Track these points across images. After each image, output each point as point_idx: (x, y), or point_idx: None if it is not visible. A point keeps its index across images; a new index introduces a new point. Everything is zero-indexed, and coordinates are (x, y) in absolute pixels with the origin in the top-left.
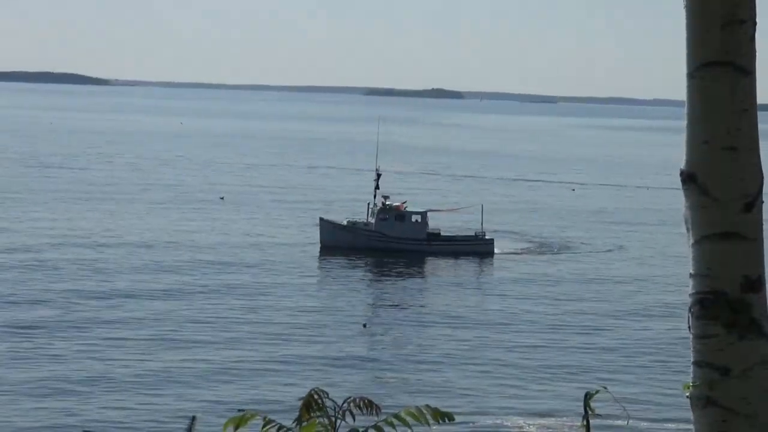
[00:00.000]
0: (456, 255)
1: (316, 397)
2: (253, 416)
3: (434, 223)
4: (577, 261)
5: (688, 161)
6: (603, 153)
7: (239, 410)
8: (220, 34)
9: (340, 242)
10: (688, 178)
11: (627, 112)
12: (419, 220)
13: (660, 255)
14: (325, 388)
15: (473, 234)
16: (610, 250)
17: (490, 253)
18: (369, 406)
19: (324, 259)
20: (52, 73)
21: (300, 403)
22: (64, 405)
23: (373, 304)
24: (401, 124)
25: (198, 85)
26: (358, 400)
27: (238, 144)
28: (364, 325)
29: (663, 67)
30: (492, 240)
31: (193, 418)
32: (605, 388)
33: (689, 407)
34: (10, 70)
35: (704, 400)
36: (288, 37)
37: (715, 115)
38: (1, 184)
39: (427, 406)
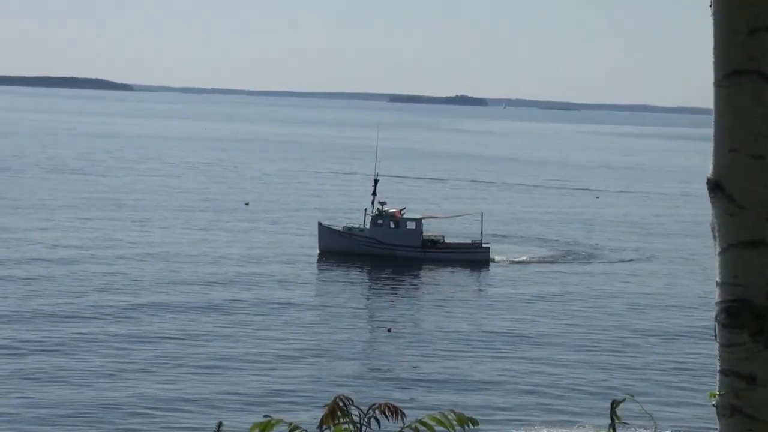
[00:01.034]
0: (451, 263)
1: (341, 404)
2: (278, 422)
3: (440, 230)
4: (572, 271)
5: (715, 169)
6: (625, 160)
7: (264, 416)
8: (243, 40)
9: (336, 247)
10: (714, 186)
11: (650, 120)
12: (414, 226)
13: (683, 263)
14: (349, 395)
15: (470, 241)
16: (611, 262)
17: (487, 261)
18: (394, 412)
19: (321, 265)
20: (77, 78)
21: (325, 409)
22: (88, 414)
23: (379, 310)
24: (423, 130)
25: (221, 90)
26: (383, 406)
27: (260, 149)
28: (389, 330)
29: (686, 74)
30: (488, 248)
31: (219, 424)
32: (632, 396)
33: (715, 416)
34: (35, 75)
35: (730, 408)
36: (312, 42)
37: (741, 123)
38: (23, 191)
39: (452, 410)
